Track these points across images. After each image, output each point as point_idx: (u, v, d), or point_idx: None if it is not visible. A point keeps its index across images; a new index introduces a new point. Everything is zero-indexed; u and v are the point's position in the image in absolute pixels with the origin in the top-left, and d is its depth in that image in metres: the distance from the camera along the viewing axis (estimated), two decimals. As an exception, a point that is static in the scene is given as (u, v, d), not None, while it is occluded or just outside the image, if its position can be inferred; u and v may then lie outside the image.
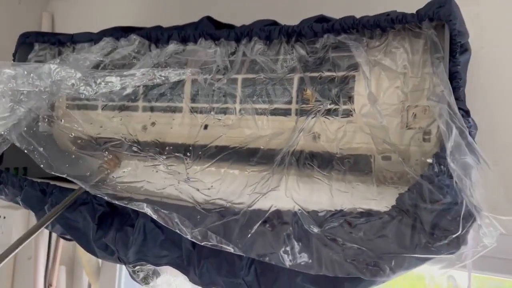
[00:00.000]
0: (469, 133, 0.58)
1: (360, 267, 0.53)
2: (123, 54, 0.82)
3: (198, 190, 0.68)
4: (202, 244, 0.59)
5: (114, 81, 0.66)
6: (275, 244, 0.56)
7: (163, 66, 0.73)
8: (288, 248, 0.55)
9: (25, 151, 0.76)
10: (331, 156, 0.65)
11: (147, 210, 0.65)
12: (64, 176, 0.75)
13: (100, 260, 1.29)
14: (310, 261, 0.54)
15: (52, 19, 1.35)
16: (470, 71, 0.73)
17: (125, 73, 0.68)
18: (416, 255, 0.52)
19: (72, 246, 1.31)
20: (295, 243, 0.55)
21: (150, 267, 0.82)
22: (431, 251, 0.53)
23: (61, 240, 1.26)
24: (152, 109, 0.84)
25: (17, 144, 0.76)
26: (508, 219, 0.50)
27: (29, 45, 0.99)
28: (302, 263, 0.54)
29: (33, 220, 1.23)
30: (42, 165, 0.74)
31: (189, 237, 0.60)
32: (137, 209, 0.65)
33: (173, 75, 0.67)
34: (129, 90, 0.71)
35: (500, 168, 0.74)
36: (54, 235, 1.25)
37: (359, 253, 0.53)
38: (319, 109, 0.65)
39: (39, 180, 0.84)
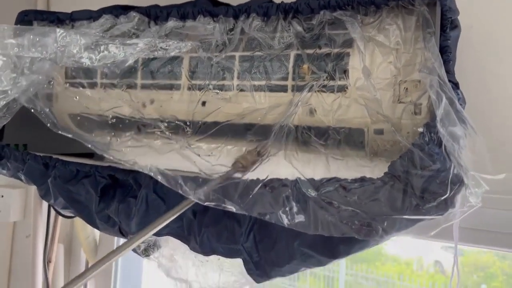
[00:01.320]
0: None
1: (354, 228, 0.57)
2: (123, 31, 0.84)
3: (199, 155, 0.71)
4: (204, 204, 0.63)
5: (116, 51, 0.69)
6: (275, 204, 0.59)
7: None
8: (287, 209, 0.59)
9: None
10: (327, 127, 0.68)
11: (152, 169, 0.68)
12: (70, 135, 0.77)
13: (97, 238, 1.33)
14: (307, 221, 0.58)
15: (47, 3, 1.37)
16: (459, 49, 0.77)
17: (127, 41, 0.70)
18: (406, 217, 0.56)
19: (70, 224, 1.35)
20: (294, 204, 0.59)
21: (150, 238, 0.85)
22: (421, 212, 0.57)
23: (60, 218, 1.29)
24: (150, 86, 0.87)
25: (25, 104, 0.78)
26: (493, 178, 0.55)
27: (27, 23, 1.01)
28: (300, 223, 0.58)
29: (32, 200, 1.26)
30: (48, 124, 0.76)
31: (192, 197, 0.63)
32: (141, 170, 0.68)
33: (174, 46, 0.70)
34: (131, 61, 0.74)
35: (488, 142, 0.78)
36: (52, 213, 1.28)
37: (353, 215, 0.57)
38: (315, 82, 0.68)
39: (41, 154, 0.87)
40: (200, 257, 0.80)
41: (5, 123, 0.87)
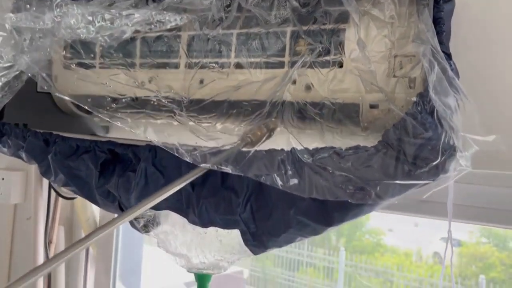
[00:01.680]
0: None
1: (348, 192, 0.58)
2: (122, 8, 0.86)
3: (195, 122, 0.73)
4: (201, 165, 0.65)
5: (113, 21, 0.70)
6: (270, 167, 0.61)
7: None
8: (282, 172, 0.61)
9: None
10: (323, 98, 0.70)
11: (149, 132, 0.69)
12: (66, 98, 0.79)
13: (98, 220, 1.35)
14: (302, 185, 0.60)
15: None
16: (454, 26, 0.78)
17: (124, 12, 0.72)
18: (399, 182, 0.58)
19: (70, 207, 1.36)
20: (289, 168, 0.60)
21: (149, 212, 0.87)
22: (413, 178, 0.58)
23: (60, 200, 1.30)
24: (149, 65, 0.88)
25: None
26: (483, 139, 0.56)
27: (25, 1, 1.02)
28: (294, 186, 0.60)
29: (32, 182, 1.28)
30: (46, 87, 0.78)
31: (188, 159, 0.65)
32: (138, 132, 0.70)
33: (170, 19, 0.72)
34: (128, 34, 0.75)
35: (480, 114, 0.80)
36: (53, 195, 1.30)
37: (347, 180, 0.59)
38: (311, 52, 0.70)
39: (41, 131, 0.89)
40: (199, 229, 0.81)
41: (6, 101, 0.89)
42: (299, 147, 0.62)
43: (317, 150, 0.61)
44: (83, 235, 1.36)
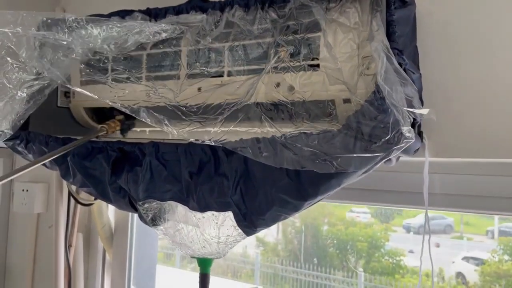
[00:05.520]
0: (404, 70, 0.77)
1: (314, 163, 0.72)
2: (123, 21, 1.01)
3: (185, 107, 0.88)
4: (188, 141, 0.79)
5: (116, 30, 0.86)
6: (246, 141, 0.75)
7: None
8: (256, 146, 0.74)
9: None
10: (303, 97, 0.85)
11: (142, 113, 0.84)
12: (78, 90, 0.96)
13: (113, 227, 1.49)
14: (273, 157, 0.74)
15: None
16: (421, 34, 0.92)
17: (124, 23, 0.88)
18: (357, 155, 0.71)
19: (88, 216, 1.51)
20: (262, 143, 0.74)
21: (156, 204, 1.00)
22: (368, 151, 0.71)
23: (79, 209, 1.45)
24: (153, 78, 1.04)
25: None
26: (419, 112, 0.69)
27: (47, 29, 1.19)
28: (266, 157, 0.74)
29: (53, 193, 1.43)
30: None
31: (175, 135, 0.79)
32: (132, 114, 0.85)
33: (165, 29, 0.87)
34: (130, 43, 0.91)
35: (448, 116, 0.93)
36: (72, 205, 1.45)
37: (313, 154, 0.72)
38: (283, 53, 0.84)
39: (61, 136, 1.04)
40: (199, 215, 0.94)
41: (31, 112, 1.05)
42: (272, 131, 0.76)
43: (289, 133, 0.74)
44: (99, 242, 1.50)
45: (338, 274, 4.03)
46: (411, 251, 3.86)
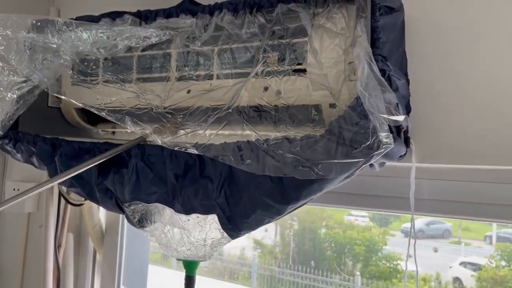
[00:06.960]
0: (389, 76, 0.78)
1: (296, 169, 0.73)
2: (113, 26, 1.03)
3: (171, 114, 0.88)
4: (172, 148, 0.80)
5: (105, 35, 0.87)
6: (227, 149, 0.76)
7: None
8: (237, 154, 0.75)
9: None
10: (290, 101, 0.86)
11: (128, 122, 0.85)
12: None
13: (104, 227, 1.50)
14: (256, 164, 0.74)
15: (59, 14, 1.58)
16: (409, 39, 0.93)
17: (114, 28, 0.89)
18: (338, 160, 0.72)
19: (79, 216, 1.52)
20: (244, 151, 0.75)
21: (142, 206, 1.01)
22: (349, 157, 0.72)
23: (69, 209, 1.46)
24: (143, 80, 1.05)
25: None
26: (395, 119, 0.70)
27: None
28: (248, 165, 0.75)
29: (44, 193, 1.44)
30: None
31: (159, 142, 0.80)
32: (118, 122, 0.86)
33: (155, 34, 0.88)
34: (120, 47, 0.92)
35: (435, 121, 0.95)
36: (62, 205, 1.46)
37: (295, 160, 0.73)
38: (268, 58, 0.85)
39: (49, 136, 1.05)
40: (184, 217, 0.95)
41: (20, 113, 1.06)
42: (254, 135, 0.77)
43: (271, 139, 0.75)
44: (90, 242, 1.51)
45: (336, 277, 4.04)
46: (409, 255, 3.86)
